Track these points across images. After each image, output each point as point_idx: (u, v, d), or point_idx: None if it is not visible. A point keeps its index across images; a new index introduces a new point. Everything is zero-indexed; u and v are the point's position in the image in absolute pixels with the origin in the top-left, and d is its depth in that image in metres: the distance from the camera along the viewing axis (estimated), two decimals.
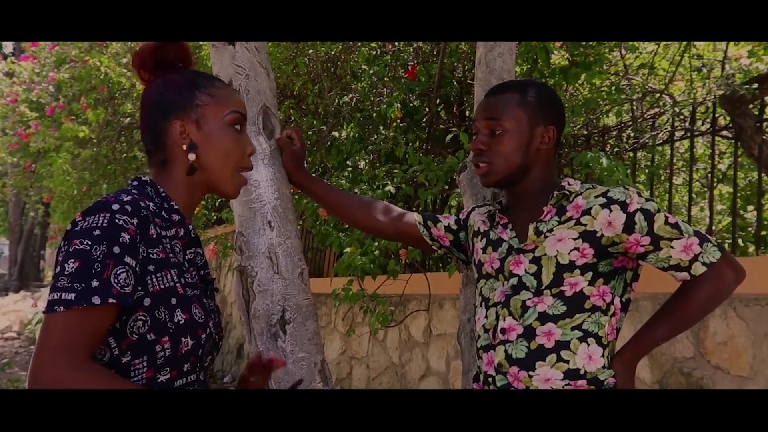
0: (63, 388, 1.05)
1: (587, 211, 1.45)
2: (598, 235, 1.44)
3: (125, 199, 1.15)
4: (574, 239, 1.45)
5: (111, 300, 1.08)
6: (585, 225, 1.44)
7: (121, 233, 1.11)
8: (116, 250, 1.10)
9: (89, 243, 1.09)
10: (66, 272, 1.08)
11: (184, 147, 1.26)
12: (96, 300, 1.07)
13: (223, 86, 1.33)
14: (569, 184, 1.52)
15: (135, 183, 1.26)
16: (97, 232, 1.10)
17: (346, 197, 1.83)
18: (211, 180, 1.30)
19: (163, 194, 1.26)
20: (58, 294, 1.07)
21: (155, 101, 1.28)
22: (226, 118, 1.29)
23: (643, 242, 1.42)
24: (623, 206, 1.42)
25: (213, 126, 1.27)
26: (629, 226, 1.41)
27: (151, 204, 1.22)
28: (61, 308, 1.06)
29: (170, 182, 1.28)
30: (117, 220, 1.11)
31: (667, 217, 1.42)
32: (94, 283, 1.08)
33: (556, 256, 1.45)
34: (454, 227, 1.73)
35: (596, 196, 1.45)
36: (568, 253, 1.45)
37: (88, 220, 1.11)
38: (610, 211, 1.43)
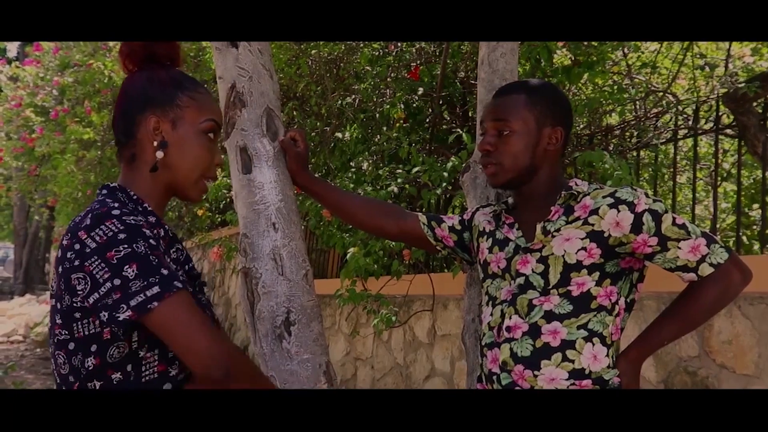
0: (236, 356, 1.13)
1: (595, 211, 1.45)
2: (606, 235, 1.44)
3: (116, 205, 1.15)
4: (582, 239, 1.45)
5: (186, 285, 1.12)
6: (593, 225, 1.45)
7: (142, 230, 1.12)
8: (153, 242, 1.12)
9: (126, 246, 1.08)
10: (131, 277, 1.07)
11: (155, 143, 1.24)
12: (178, 284, 1.10)
13: (206, 93, 1.32)
14: (577, 184, 1.52)
15: (105, 191, 1.25)
16: (122, 235, 1.09)
17: (350, 198, 1.83)
18: (175, 182, 1.28)
19: (135, 197, 1.25)
20: (142, 295, 1.07)
21: (136, 92, 1.26)
22: (203, 124, 1.27)
23: (650, 243, 1.42)
24: (631, 206, 1.42)
25: (188, 129, 1.26)
26: (637, 227, 1.42)
27: (126, 209, 1.20)
28: (155, 303, 1.07)
29: (139, 180, 1.26)
30: (129, 221, 1.11)
31: (674, 218, 1.43)
32: (165, 272, 1.10)
33: (563, 256, 1.46)
34: (458, 227, 1.73)
35: (604, 197, 1.46)
36: (576, 253, 1.45)
37: (98, 233, 1.09)
38: (618, 211, 1.43)
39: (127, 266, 1.07)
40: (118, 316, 1.07)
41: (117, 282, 1.07)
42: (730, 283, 1.42)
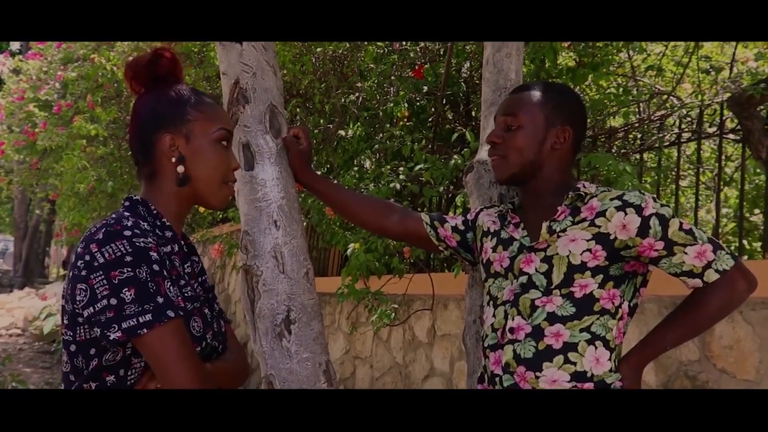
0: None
1: (602, 213, 1.45)
2: (612, 237, 1.43)
3: (130, 224, 1.20)
4: (587, 240, 1.45)
5: (180, 312, 1.17)
6: (599, 227, 1.44)
7: (149, 253, 1.17)
8: (156, 267, 1.17)
9: (130, 269, 1.14)
10: (128, 300, 1.13)
11: (173, 159, 1.30)
12: (171, 313, 1.15)
13: (213, 103, 1.37)
14: (584, 186, 1.52)
15: (127, 204, 1.31)
16: (129, 258, 1.15)
17: (353, 197, 1.82)
18: (198, 192, 1.34)
19: (155, 212, 1.30)
20: (134, 320, 1.13)
21: (148, 114, 1.32)
22: (214, 134, 1.33)
23: (656, 247, 1.42)
24: (638, 210, 1.42)
25: (201, 141, 1.32)
26: (643, 230, 1.41)
27: (145, 224, 1.26)
28: (145, 330, 1.13)
29: (160, 195, 1.32)
30: (138, 243, 1.16)
31: (681, 223, 1.42)
32: (160, 300, 1.15)
33: (568, 257, 1.45)
34: (462, 228, 1.73)
35: (612, 199, 1.46)
36: (581, 254, 1.45)
37: (108, 250, 1.15)
38: (625, 214, 1.42)
39: (126, 289, 1.13)
40: (109, 335, 1.13)
41: (113, 302, 1.13)
42: (735, 291, 1.41)
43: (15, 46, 16.82)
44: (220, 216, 7.03)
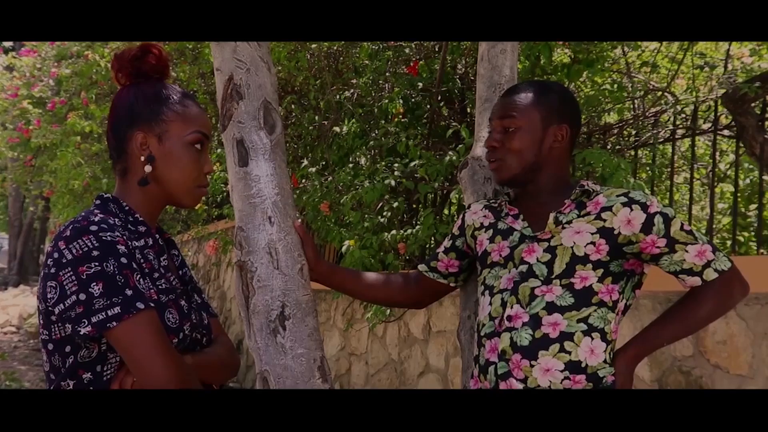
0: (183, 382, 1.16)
1: (608, 208, 1.49)
2: (616, 232, 1.47)
3: (97, 219, 1.19)
4: (592, 234, 1.48)
5: (150, 304, 1.16)
6: (604, 221, 1.48)
7: (116, 246, 1.17)
8: (124, 260, 1.16)
9: (97, 264, 1.13)
10: (96, 295, 1.12)
11: (142, 158, 1.29)
12: (140, 305, 1.14)
13: (192, 105, 1.36)
14: (588, 185, 1.55)
15: (98, 202, 1.31)
16: (96, 252, 1.14)
17: (368, 282, 1.81)
18: (169, 192, 1.33)
19: (126, 208, 1.30)
20: (103, 313, 1.12)
21: (124, 109, 1.31)
22: (188, 137, 1.32)
23: (658, 244, 1.46)
24: (644, 207, 1.46)
25: (174, 143, 1.31)
26: (647, 227, 1.45)
27: (115, 219, 1.26)
28: (114, 323, 1.12)
29: (131, 193, 1.32)
30: (105, 237, 1.16)
31: (682, 224, 1.47)
32: (129, 293, 1.14)
33: (572, 248, 1.48)
34: (450, 243, 1.74)
35: (618, 196, 1.50)
36: (585, 246, 1.48)
37: (75, 246, 1.14)
38: (631, 209, 1.47)
39: (94, 283, 1.13)
40: (80, 330, 1.13)
41: (82, 297, 1.13)
42: (732, 292, 1.47)
43: (8, 42, 16.74)
44: (216, 213, 7.03)
